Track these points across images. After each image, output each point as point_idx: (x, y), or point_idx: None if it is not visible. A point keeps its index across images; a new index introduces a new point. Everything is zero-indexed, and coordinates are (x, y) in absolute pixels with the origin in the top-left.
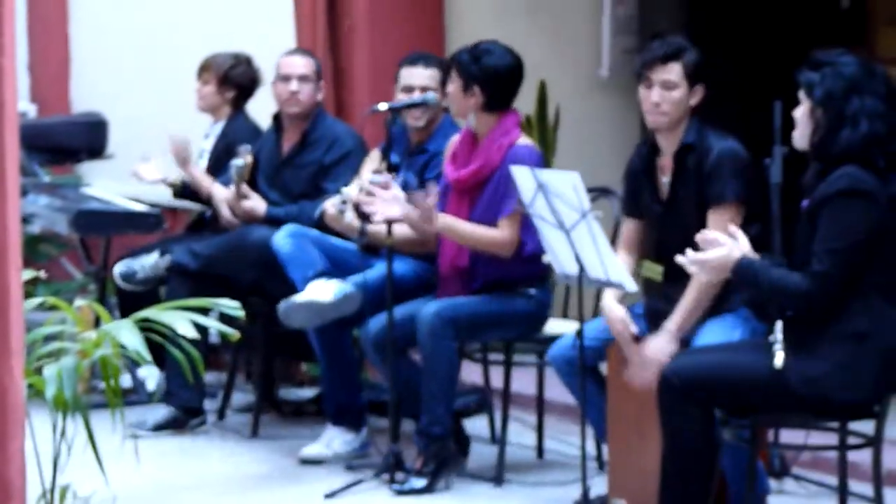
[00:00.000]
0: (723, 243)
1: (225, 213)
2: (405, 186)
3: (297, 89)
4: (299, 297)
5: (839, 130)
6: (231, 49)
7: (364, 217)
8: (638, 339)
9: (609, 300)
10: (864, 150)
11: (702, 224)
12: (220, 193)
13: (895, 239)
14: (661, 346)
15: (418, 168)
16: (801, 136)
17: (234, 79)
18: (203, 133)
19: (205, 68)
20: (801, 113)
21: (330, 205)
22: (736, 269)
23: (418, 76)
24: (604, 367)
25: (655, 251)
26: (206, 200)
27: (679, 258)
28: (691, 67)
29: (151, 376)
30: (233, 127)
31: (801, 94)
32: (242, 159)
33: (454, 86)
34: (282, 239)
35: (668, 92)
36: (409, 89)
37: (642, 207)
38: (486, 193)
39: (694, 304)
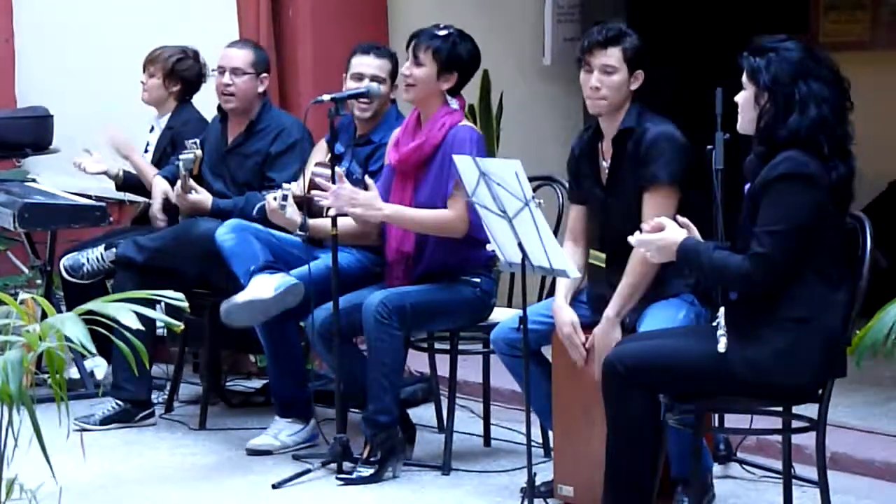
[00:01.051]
0: (670, 225)
1: (157, 204)
2: (349, 176)
3: (229, 82)
4: (239, 297)
5: (788, 115)
6: (175, 42)
7: (306, 210)
8: (585, 326)
9: (560, 300)
10: (812, 135)
11: (641, 208)
12: (159, 186)
13: (836, 224)
14: (605, 334)
15: (363, 158)
16: (745, 122)
17: (180, 72)
18: (148, 126)
19: (151, 61)
20: (744, 98)
21: (271, 199)
22: (680, 250)
23: (369, 65)
24: (548, 352)
25: (598, 237)
26: (150, 192)
27: (630, 238)
28: (631, 52)
29: (100, 367)
30: (179, 119)
31: (745, 80)
32: (192, 153)
33: (425, 70)
34: (224, 234)
35: (607, 76)
36: (359, 77)
37: (585, 193)
38: (429, 175)
39: (630, 290)
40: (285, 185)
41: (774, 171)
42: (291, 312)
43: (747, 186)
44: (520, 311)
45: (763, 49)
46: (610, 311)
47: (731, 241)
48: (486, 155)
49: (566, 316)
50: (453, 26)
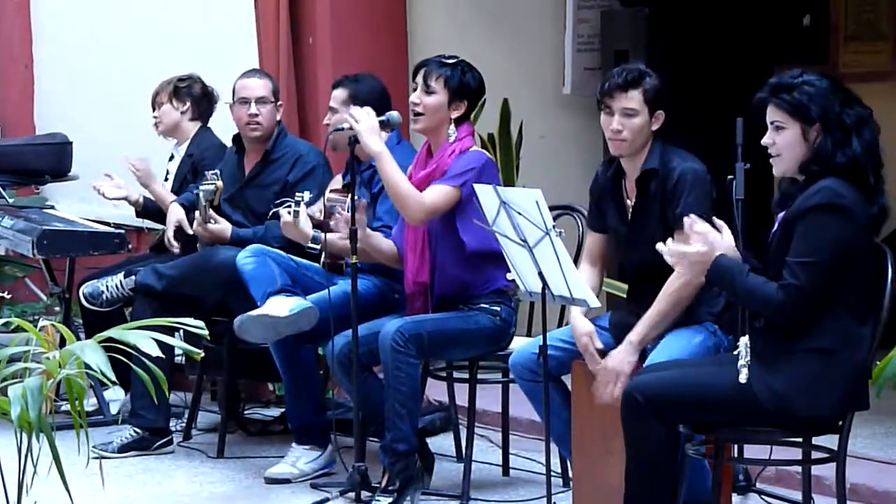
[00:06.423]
0: (709, 237)
1: (170, 231)
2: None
3: (256, 112)
4: (254, 312)
5: (846, 142)
6: (195, 69)
7: (318, 225)
8: (603, 353)
9: (576, 314)
10: (865, 161)
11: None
12: (174, 213)
13: (868, 257)
14: (622, 357)
15: (367, 181)
16: (791, 162)
17: (183, 90)
18: (167, 155)
19: (157, 93)
20: (788, 139)
21: (284, 212)
22: (714, 267)
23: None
24: (568, 381)
25: (620, 271)
26: None
27: (660, 246)
28: (651, 94)
29: (115, 399)
30: (198, 146)
31: (784, 119)
32: (213, 184)
33: (436, 98)
34: (244, 258)
35: (628, 119)
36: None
37: (609, 227)
38: None
39: (659, 317)
40: (297, 195)
41: (810, 201)
42: (307, 336)
43: (781, 214)
44: (539, 337)
45: (792, 85)
46: (633, 335)
47: (762, 265)
48: (497, 178)
49: (584, 327)
50: (457, 56)
